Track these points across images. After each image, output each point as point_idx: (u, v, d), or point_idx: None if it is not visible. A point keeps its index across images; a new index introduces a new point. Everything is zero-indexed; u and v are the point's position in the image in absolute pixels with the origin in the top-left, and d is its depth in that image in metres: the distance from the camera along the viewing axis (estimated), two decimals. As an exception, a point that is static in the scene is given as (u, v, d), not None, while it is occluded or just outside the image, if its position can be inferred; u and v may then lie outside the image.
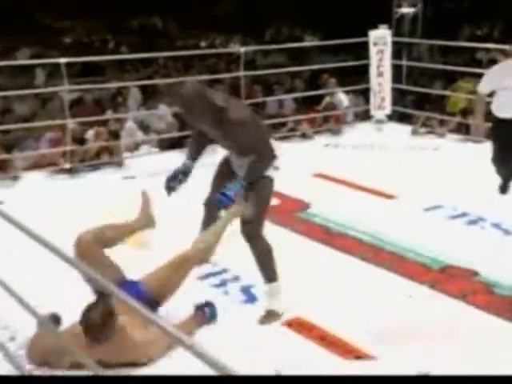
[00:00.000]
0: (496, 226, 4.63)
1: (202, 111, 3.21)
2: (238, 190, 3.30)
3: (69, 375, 2.15)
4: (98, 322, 2.78)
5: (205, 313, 3.33)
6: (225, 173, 3.55)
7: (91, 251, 3.19)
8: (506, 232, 4.54)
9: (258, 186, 3.36)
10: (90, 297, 3.02)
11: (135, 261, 3.99)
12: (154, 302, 3.15)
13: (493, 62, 11.16)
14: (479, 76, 8.16)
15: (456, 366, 2.88)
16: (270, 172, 3.40)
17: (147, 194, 3.69)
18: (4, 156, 5.99)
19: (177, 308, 3.35)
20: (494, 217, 4.72)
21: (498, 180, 4.76)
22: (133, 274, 3.60)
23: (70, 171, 6.12)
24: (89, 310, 2.84)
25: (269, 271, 3.44)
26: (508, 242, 4.38)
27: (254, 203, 3.37)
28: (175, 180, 3.49)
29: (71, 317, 2.95)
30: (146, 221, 3.63)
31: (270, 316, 3.41)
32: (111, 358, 2.83)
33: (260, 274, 3.47)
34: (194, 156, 3.56)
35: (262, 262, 3.43)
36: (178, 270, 3.31)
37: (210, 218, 3.74)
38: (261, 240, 3.42)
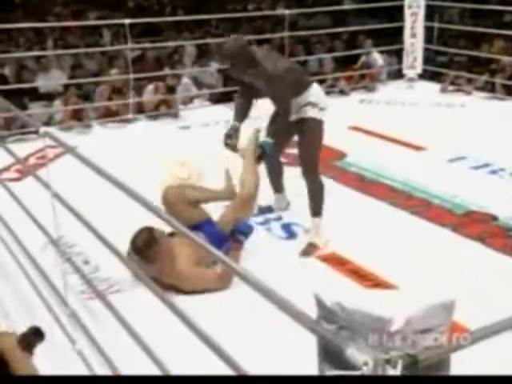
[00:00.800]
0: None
1: (243, 64, 3.21)
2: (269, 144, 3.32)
3: (69, 375, 2.21)
4: (141, 244, 2.98)
5: (240, 239, 3.16)
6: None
7: (178, 200, 3.31)
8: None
9: (305, 127, 3.38)
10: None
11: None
12: (224, 240, 3.18)
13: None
14: (506, 37, 7.89)
15: (472, 300, 2.86)
16: (317, 113, 3.38)
17: (229, 172, 3.71)
18: (79, 106, 6.08)
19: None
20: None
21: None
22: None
23: (133, 120, 6.18)
24: (135, 235, 3.04)
25: (317, 206, 3.49)
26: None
27: (306, 144, 3.40)
28: (231, 138, 3.47)
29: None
30: (229, 194, 3.60)
31: (310, 248, 3.44)
32: (162, 277, 2.92)
33: (309, 208, 3.50)
34: (241, 117, 3.53)
35: (314, 197, 3.47)
36: (242, 209, 3.38)
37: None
38: (316, 177, 3.46)
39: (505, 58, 7.06)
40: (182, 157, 4.90)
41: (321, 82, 7.16)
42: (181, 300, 2.76)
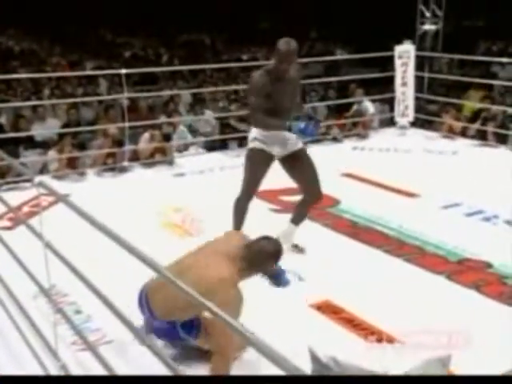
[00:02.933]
0: (508, 222, 4.54)
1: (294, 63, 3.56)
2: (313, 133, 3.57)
3: (68, 375, 2.16)
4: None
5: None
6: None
7: None
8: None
9: (303, 155, 3.81)
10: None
11: (178, 247, 4.05)
12: None
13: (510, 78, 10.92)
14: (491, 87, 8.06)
15: (470, 353, 2.82)
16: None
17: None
18: (73, 154, 6.11)
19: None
20: (506, 214, 4.62)
21: (510, 181, 4.65)
22: (175, 259, 3.64)
23: (127, 169, 6.20)
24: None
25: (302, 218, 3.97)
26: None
27: (310, 168, 3.82)
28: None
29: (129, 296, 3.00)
30: None
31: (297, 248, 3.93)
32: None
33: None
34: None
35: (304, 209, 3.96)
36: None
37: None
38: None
39: (494, 107, 7.20)
40: (176, 204, 4.92)
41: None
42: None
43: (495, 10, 16.70)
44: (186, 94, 9.11)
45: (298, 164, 3.80)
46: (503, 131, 6.83)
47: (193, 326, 2.58)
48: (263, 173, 3.78)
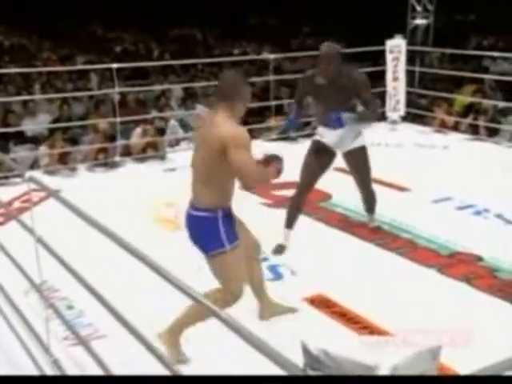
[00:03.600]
0: (498, 216, 4.56)
1: (336, 67, 3.69)
2: (347, 122, 3.73)
3: (69, 375, 2.16)
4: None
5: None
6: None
7: None
8: (508, 222, 4.47)
9: (363, 152, 4.00)
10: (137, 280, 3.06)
11: (170, 242, 4.06)
12: None
13: (502, 72, 10.97)
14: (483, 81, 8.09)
15: (461, 345, 2.83)
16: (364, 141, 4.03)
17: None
18: (64, 149, 6.08)
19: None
20: (497, 208, 4.65)
21: (500, 175, 4.68)
22: (168, 255, 3.64)
23: (119, 164, 6.18)
24: None
25: (373, 208, 4.27)
26: (509, 231, 4.32)
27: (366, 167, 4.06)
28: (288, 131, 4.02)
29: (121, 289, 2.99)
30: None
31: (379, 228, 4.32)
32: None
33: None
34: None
35: (371, 203, 4.26)
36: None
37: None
38: (373, 194, 4.25)
39: (484, 101, 7.24)
40: (168, 199, 4.91)
41: (306, 124, 7.27)
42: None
43: (486, 5, 16.75)
44: (177, 89, 9.09)
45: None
46: (494, 125, 6.86)
47: None
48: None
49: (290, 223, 4.03)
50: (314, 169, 3.99)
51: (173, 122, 7.09)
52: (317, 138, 4.04)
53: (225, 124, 2.58)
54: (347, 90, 3.73)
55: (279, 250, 3.99)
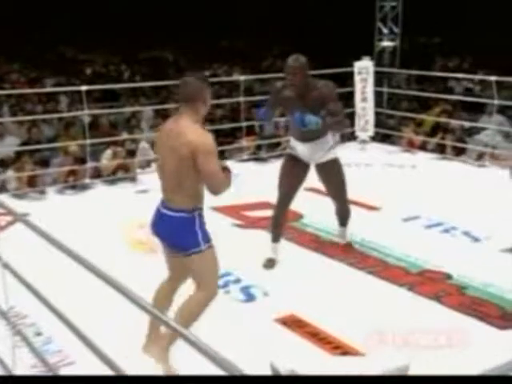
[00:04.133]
0: (466, 233, 4.64)
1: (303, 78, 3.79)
2: (311, 124, 3.70)
3: (69, 375, 2.12)
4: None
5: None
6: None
7: None
8: (475, 239, 4.55)
9: (334, 165, 4.06)
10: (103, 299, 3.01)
11: (143, 264, 4.02)
12: None
13: (467, 90, 11.25)
14: (447, 101, 8.28)
15: (431, 361, 2.86)
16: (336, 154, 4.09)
17: None
18: (33, 172, 5.99)
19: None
20: (464, 226, 4.73)
21: (467, 193, 4.77)
22: (142, 278, 3.60)
23: (89, 186, 6.11)
24: None
25: (346, 220, 4.34)
26: (476, 248, 4.39)
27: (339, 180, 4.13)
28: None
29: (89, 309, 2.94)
30: None
31: (350, 246, 4.34)
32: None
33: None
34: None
35: (344, 217, 4.31)
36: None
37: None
38: (347, 207, 4.29)
39: (452, 121, 7.40)
40: (140, 220, 4.87)
41: (276, 144, 7.33)
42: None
43: (450, 28, 17.21)
44: (147, 111, 9.06)
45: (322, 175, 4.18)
46: (461, 144, 7.02)
47: None
48: None
49: (275, 237, 4.13)
50: (290, 179, 4.05)
51: (143, 144, 7.06)
52: (288, 151, 4.12)
53: (192, 130, 2.64)
54: (315, 102, 3.77)
55: (269, 264, 4.06)
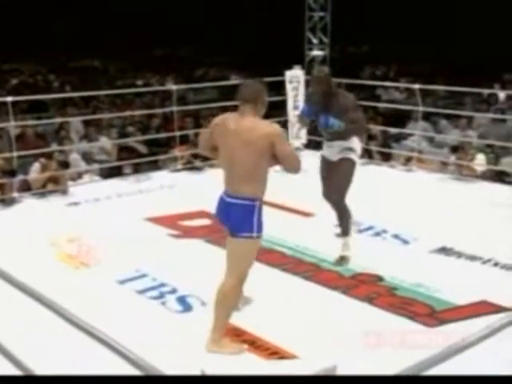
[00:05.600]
0: (396, 236, 4.79)
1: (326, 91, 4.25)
2: (334, 126, 4.15)
3: (69, 375, 2.05)
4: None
5: None
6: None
7: None
8: (404, 241, 4.71)
9: (343, 163, 4.27)
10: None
11: (73, 279, 3.93)
12: None
13: (392, 100, 11.64)
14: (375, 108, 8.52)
15: (365, 362, 2.94)
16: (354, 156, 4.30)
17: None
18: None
19: (119, 322, 3.29)
20: (394, 229, 4.89)
21: (396, 197, 4.92)
22: (71, 292, 3.52)
23: (17, 200, 5.90)
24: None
25: (346, 227, 4.32)
26: (406, 250, 4.55)
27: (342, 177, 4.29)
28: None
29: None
30: None
31: (343, 260, 4.25)
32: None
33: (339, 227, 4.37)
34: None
35: (342, 220, 4.35)
36: None
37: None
38: (343, 205, 4.35)
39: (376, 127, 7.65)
40: (71, 234, 4.75)
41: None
42: None
43: (377, 38, 17.80)
44: (77, 121, 8.86)
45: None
46: (385, 150, 7.27)
47: None
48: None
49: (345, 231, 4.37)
50: (324, 181, 4.51)
51: (74, 156, 6.90)
52: (321, 152, 4.60)
53: (265, 124, 3.04)
54: (338, 109, 4.15)
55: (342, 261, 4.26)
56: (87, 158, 7.36)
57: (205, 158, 7.22)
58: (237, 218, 3.05)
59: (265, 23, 17.71)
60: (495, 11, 16.34)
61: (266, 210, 5.75)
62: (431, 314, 3.53)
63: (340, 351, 3.02)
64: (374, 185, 6.18)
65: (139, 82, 15.99)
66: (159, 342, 3.17)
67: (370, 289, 3.85)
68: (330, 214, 5.30)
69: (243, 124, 3.00)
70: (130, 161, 7.29)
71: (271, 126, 3.01)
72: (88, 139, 8.12)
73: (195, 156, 7.28)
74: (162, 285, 3.91)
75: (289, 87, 7.75)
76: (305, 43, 10.23)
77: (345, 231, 4.36)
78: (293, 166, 3.13)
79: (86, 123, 8.90)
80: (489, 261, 4.26)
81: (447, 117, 8.88)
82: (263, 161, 3.02)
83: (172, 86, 7.71)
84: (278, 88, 8.63)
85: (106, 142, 7.80)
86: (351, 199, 5.71)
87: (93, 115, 9.22)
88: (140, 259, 4.25)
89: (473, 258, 4.33)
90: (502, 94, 10.11)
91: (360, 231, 4.93)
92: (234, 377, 1.92)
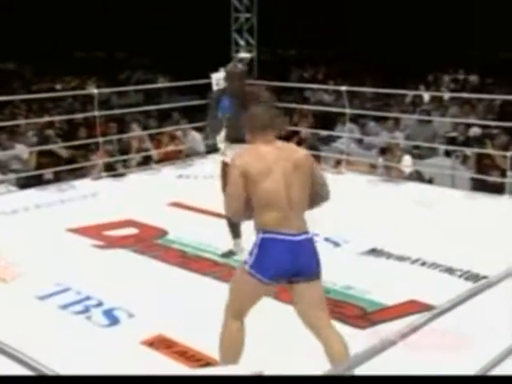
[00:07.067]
0: (327, 240, 4.90)
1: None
2: None
3: (69, 375, 1.95)
4: None
5: None
6: None
7: None
8: (335, 244, 4.82)
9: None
10: None
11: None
12: None
13: (321, 102, 11.89)
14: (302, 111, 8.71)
15: (298, 366, 2.98)
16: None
17: None
18: None
19: (40, 340, 3.19)
20: (325, 232, 4.98)
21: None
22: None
23: None
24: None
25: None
26: (338, 253, 4.66)
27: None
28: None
29: None
30: None
31: (230, 253, 4.48)
32: None
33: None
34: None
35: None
36: None
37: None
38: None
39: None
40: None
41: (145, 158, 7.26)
42: None
43: (305, 41, 18.14)
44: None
45: None
46: (314, 152, 7.41)
47: None
48: None
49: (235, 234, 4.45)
50: None
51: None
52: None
53: (296, 147, 2.94)
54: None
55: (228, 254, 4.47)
56: (2, 167, 7.08)
57: (127, 163, 7.12)
58: (313, 257, 2.78)
59: (191, 24, 17.69)
60: (420, 12, 17.07)
61: (196, 216, 5.71)
62: (363, 315, 3.63)
63: (268, 356, 3.05)
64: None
65: (58, 87, 15.57)
66: (86, 357, 3.10)
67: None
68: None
69: (280, 150, 2.77)
70: (50, 169, 7.08)
71: (303, 150, 2.93)
72: (1, 147, 7.81)
73: (116, 162, 7.17)
74: (87, 298, 3.82)
75: (215, 90, 7.76)
76: (232, 45, 10.30)
77: (234, 235, 4.49)
78: (327, 192, 2.93)
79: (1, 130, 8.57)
80: (417, 260, 4.43)
81: (375, 118, 9.18)
82: (308, 185, 2.78)
83: (93, 90, 7.55)
84: (203, 91, 8.65)
85: (22, 149, 7.53)
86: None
87: (8, 122, 8.87)
88: (62, 272, 4.14)
89: (401, 258, 4.50)
90: (426, 96, 10.57)
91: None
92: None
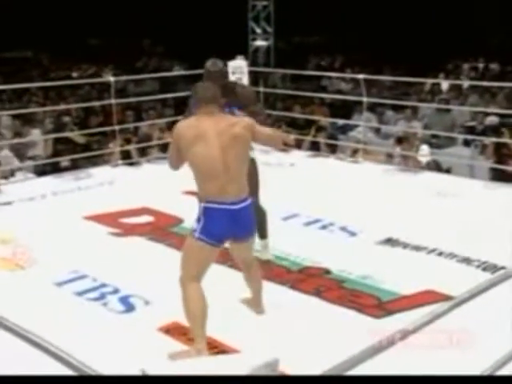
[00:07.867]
0: (343, 229, 4.89)
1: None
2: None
3: (69, 375, 1.99)
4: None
5: None
6: None
7: None
8: (351, 234, 4.81)
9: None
10: None
11: (10, 283, 3.84)
12: None
13: (338, 91, 11.83)
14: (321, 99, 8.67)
15: (312, 357, 2.99)
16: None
17: None
18: None
19: (57, 326, 3.24)
20: (341, 221, 4.99)
21: (342, 189, 5.01)
22: (8, 297, 3.45)
23: None
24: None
25: (262, 231, 4.23)
26: (353, 242, 4.65)
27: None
28: None
29: None
30: None
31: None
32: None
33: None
34: None
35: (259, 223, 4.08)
36: None
37: None
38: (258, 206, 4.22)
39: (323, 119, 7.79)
40: (4, 235, 4.62)
41: (150, 146, 7.29)
42: None
43: (323, 28, 18.03)
44: (5, 116, 8.58)
45: None
46: (333, 141, 7.40)
47: None
48: None
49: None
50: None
51: (6, 152, 6.71)
52: None
53: (236, 117, 3.30)
54: (238, 103, 4.04)
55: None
56: (20, 154, 7.16)
57: (144, 152, 7.17)
58: (251, 221, 3.18)
59: (207, 12, 17.65)
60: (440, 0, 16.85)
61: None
62: (378, 305, 3.63)
63: (284, 346, 3.07)
64: (321, 177, 6.29)
65: (75, 74, 15.64)
66: (101, 343, 3.14)
67: (317, 282, 3.93)
68: (275, 207, 5.38)
69: (220, 122, 3.06)
70: (67, 157, 7.14)
71: (244, 118, 3.22)
72: (20, 134, 7.90)
73: (134, 150, 7.21)
74: (103, 285, 3.86)
75: (232, 78, 7.75)
76: (248, 33, 10.26)
77: (262, 235, 4.33)
78: (278, 141, 3.26)
79: (17, 117, 8.65)
80: (433, 250, 4.41)
81: (393, 107, 9.12)
82: (247, 153, 3.13)
83: (110, 78, 7.58)
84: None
85: (37, 134, 7.60)
86: (299, 192, 5.81)
87: (25, 109, 8.96)
88: (79, 259, 4.18)
89: (418, 248, 4.48)
90: (445, 85, 10.46)
91: (307, 224, 5.02)
92: (176, 377, 1.93)
